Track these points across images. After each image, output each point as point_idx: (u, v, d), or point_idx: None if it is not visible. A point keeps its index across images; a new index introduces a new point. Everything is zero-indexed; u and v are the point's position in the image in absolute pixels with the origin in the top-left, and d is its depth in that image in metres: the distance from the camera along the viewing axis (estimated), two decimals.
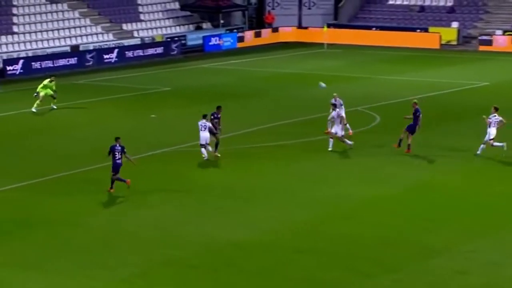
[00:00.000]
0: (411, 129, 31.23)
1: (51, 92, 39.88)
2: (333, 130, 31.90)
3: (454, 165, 29.89)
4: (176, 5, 63.65)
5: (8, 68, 49.62)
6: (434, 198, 26.55)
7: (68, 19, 57.10)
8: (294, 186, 27.64)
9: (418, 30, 62.87)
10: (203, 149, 30.61)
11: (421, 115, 31.33)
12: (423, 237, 22.86)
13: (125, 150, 27.22)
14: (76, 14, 57.92)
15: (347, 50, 60.78)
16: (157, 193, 27.02)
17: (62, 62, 52.14)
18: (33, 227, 23.78)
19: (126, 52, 55.77)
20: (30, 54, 52.52)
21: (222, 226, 23.69)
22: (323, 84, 32.64)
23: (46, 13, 56.56)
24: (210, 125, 30.71)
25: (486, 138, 30.69)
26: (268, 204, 25.80)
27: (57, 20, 56.55)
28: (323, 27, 62.21)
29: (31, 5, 56.30)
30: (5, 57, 50.69)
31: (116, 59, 54.91)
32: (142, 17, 61.29)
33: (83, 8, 58.98)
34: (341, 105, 33.34)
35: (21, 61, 50.50)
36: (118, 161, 27.07)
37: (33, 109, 39.25)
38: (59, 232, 23.28)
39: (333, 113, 32.12)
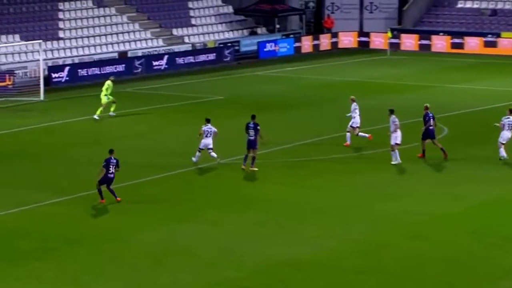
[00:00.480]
0: (428, 136, 32.26)
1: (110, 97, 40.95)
2: (391, 141, 32.20)
3: None
4: (230, 9, 64.10)
5: (53, 75, 50.48)
6: (506, 215, 26.29)
7: (116, 24, 57.92)
8: (354, 201, 27.63)
9: (490, 36, 62.29)
10: (198, 153, 31.14)
11: (432, 119, 32.37)
12: (494, 257, 22.66)
13: (119, 163, 27.44)
14: (124, 19, 58.73)
15: (412, 57, 60.49)
16: (211, 208, 27.24)
17: (109, 69, 52.83)
18: (80, 243, 24.15)
19: (177, 59, 56.31)
20: (76, 60, 53.37)
21: (279, 244, 23.79)
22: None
23: (93, 17, 57.45)
24: (216, 130, 31.00)
25: (500, 140, 31.56)
26: (327, 220, 25.82)
27: (105, 25, 57.39)
28: (386, 32, 62.03)
29: (77, 9, 57.22)
30: (50, 64, 51.59)
31: (166, 66, 55.49)
32: (193, 21, 61.86)
33: (131, 13, 59.78)
34: (355, 109, 34.66)
35: (67, 68, 51.35)
36: (110, 175, 27.35)
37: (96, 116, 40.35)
38: (107, 249, 23.60)
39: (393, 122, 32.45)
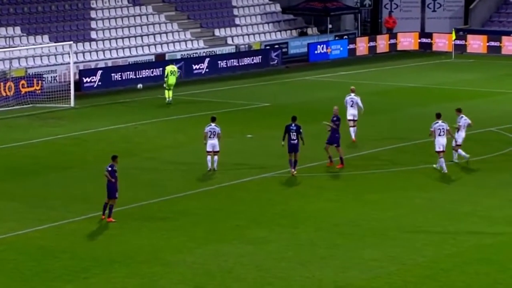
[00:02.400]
0: (332, 141, 33.30)
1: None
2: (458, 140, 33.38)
3: None
4: (277, 8, 64.19)
5: (85, 79, 50.88)
6: None
7: (153, 24, 58.30)
8: (417, 220, 27.41)
9: None
10: (208, 157, 31.93)
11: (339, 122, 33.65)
12: None
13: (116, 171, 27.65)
14: (162, 18, 59.09)
15: (479, 60, 60.01)
16: (256, 226, 27.21)
17: (145, 73, 53.15)
18: (114, 264, 24.25)
19: (219, 62, 56.50)
20: (109, 64, 53.79)
21: (332, 267, 23.66)
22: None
23: (128, 17, 57.90)
24: (219, 130, 31.14)
25: (453, 143, 33.18)
26: (386, 242, 25.64)
27: (141, 25, 57.79)
28: (451, 33, 61.59)
29: (111, 8, 57.70)
30: (81, 67, 52.02)
31: (207, 70, 55.70)
32: (237, 21, 62.04)
33: (170, 12, 60.13)
34: (355, 103, 37.29)
35: (99, 72, 51.73)
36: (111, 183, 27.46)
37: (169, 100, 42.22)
38: (144, 271, 23.66)
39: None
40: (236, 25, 61.59)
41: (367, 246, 25.36)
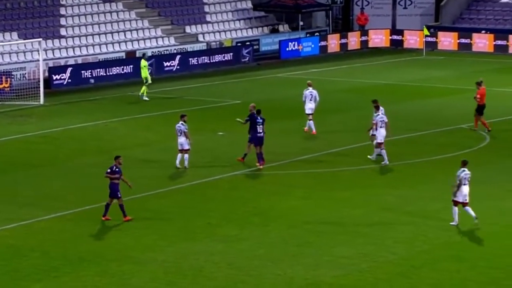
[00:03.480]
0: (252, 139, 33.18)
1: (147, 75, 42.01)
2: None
3: None
4: (248, 5, 64.23)
5: (54, 77, 50.68)
6: None
7: (123, 21, 58.14)
8: (387, 218, 27.57)
9: None
10: (179, 155, 31.91)
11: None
12: None
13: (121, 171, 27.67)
14: (133, 15, 58.96)
15: (450, 57, 60.36)
16: (229, 224, 27.27)
17: (116, 70, 53.03)
18: (84, 263, 24.22)
19: (190, 59, 56.45)
20: (79, 61, 53.59)
21: (303, 265, 23.76)
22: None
23: (98, 13, 57.69)
24: (185, 128, 31.05)
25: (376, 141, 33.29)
26: (357, 239, 25.77)
27: (111, 22, 57.60)
28: (422, 30, 61.91)
29: (81, 4, 57.44)
30: (51, 65, 51.79)
31: (178, 67, 55.63)
32: (208, 18, 62.04)
33: (140, 8, 59.99)
34: (314, 97, 37.83)
35: (69, 69, 51.55)
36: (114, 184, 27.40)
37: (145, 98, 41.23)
38: (114, 270, 23.65)
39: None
40: (207, 22, 61.56)
41: (338, 243, 25.49)
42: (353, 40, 64.37)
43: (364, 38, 64.72)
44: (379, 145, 33.26)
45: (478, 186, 30.83)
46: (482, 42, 62.52)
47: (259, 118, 32.57)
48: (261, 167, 32.40)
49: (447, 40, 63.12)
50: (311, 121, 38.07)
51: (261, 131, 32.38)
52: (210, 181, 31.77)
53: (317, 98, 38.33)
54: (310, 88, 38.75)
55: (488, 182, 31.10)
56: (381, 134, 33.25)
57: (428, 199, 29.51)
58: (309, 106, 38.20)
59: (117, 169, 27.60)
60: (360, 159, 34.52)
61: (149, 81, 45.68)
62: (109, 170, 27.60)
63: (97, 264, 24.08)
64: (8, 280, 23.01)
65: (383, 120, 33.44)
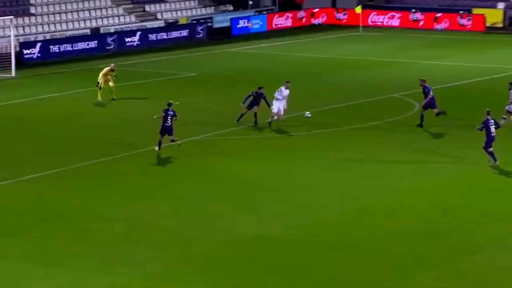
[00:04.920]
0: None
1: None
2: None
3: (505, 156, 29.57)
4: None
5: (25, 52, 50.11)
6: (479, 190, 26.54)
7: (88, 0, 57.51)
8: (325, 178, 27.76)
9: (461, 12, 62.56)
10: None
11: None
12: (466, 231, 22.87)
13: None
14: None
15: (384, 33, 60.66)
16: (184, 184, 27.29)
17: (81, 45, 52.55)
18: (51, 220, 24.13)
19: (149, 35, 56.09)
20: (48, 37, 52.99)
21: (250, 220, 23.88)
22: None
23: None
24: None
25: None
26: (297, 197, 25.93)
27: (77, 1, 56.94)
28: (358, 8, 62.05)
29: None
30: (22, 40, 51.18)
31: (139, 43, 55.26)
32: None
33: None
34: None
35: (38, 45, 50.97)
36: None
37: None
38: (78, 226, 23.60)
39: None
40: (165, 1, 61.11)
41: (279, 201, 25.57)
42: (297, 18, 64.32)
43: (307, 16, 64.69)
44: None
45: (408, 148, 31.19)
46: (413, 19, 62.86)
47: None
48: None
49: (381, 18, 63.39)
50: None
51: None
52: (170, 146, 31.71)
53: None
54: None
55: (414, 145, 31.40)
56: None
57: (361, 161, 29.70)
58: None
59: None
60: (302, 125, 34.58)
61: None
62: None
63: (64, 221, 23.99)
64: None
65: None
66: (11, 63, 46.07)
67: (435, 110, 33.63)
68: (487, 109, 29.08)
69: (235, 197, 26.02)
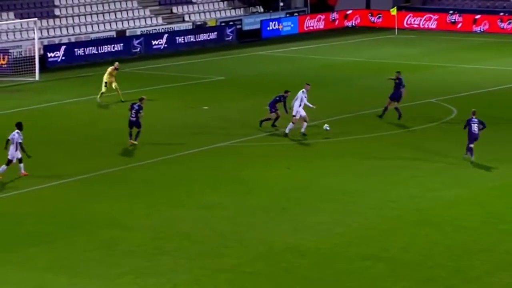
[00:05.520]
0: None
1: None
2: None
3: None
4: None
5: (49, 54, 50.32)
6: None
7: (114, 2, 57.68)
8: (360, 186, 27.53)
9: (502, 14, 62.01)
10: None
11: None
12: (506, 243, 22.56)
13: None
14: None
15: (421, 36, 60.28)
16: (213, 193, 27.15)
17: (107, 48, 52.68)
18: (76, 228, 24.09)
19: (177, 38, 56.14)
20: (72, 39, 53.20)
21: (282, 231, 23.70)
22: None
23: None
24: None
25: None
26: (332, 206, 25.73)
27: (102, 3, 57.16)
28: (394, 10, 61.71)
29: None
30: (46, 43, 51.42)
31: (166, 45, 55.32)
32: None
33: None
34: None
35: (63, 47, 51.17)
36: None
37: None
38: (104, 235, 23.54)
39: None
40: (193, 3, 61.18)
41: (314, 210, 25.43)
42: (330, 20, 64.12)
43: (340, 17, 64.46)
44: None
45: (442, 155, 30.89)
46: (451, 21, 62.44)
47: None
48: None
49: (417, 20, 63.03)
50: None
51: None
52: (196, 152, 31.62)
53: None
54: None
55: (451, 152, 31.12)
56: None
57: (397, 168, 29.45)
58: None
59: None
60: (337, 130, 34.38)
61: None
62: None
63: (88, 230, 23.94)
64: (4, 246, 22.84)
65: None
66: (35, 67, 46.27)
67: (396, 104, 34.94)
68: (473, 110, 30.40)
69: (267, 206, 25.84)
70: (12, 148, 28.31)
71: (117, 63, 40.73)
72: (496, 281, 20.44)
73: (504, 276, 20.70)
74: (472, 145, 29.90)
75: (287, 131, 33.06)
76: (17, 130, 28.43)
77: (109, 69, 40.16)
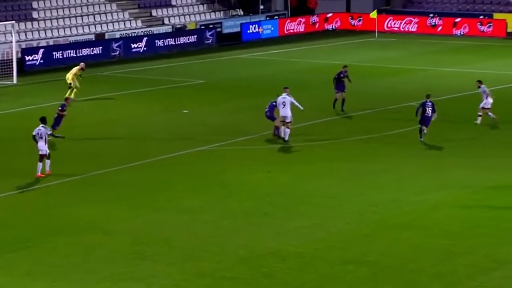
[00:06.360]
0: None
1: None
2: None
3: None
4: None
5: (27, 58, 50.16)
6: (500, 203, 26.35)
7: (93, 4, 57.57)
8: (346, 190, 27.61)
9: (482, 17, 62.41)
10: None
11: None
12: (488, 249, 22.70)
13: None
14: None
15: (401, 39, 60.53)
16: (194, 197, 27.17)
17: (86, 51, 52.57)
18: (56, 233, 24.03)
19: (156, 41, 56.10)
20: (51, 42, 53.03)
21: (265, 235, 23.74)
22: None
23: None
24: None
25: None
26: (313, 210, 25.80)
27: (81, 6, 57.03)
28: (374, 13, 61.96)
29: None
30: (24, 46, 51.24)
31: (145, 49, 55.26)
32: (173, 2, 61.59)
33: None
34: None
35: (41, 51, 51.02)
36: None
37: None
38: (84, 240, 23.50)
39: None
40: (172, 6, 61.15)
41: (295, 214, 25.48)
42: (310, 23, 64.27)
43: (320, 21, 64.62)
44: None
45: (425, 158, 31.04)
46: (431, 24, 62.75)
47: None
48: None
49: (398, 23, 63.30)
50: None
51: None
52: (176, 156, 31.63)
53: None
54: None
55: (433, 156, 31.28)
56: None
57: (380, 172, 29.57)
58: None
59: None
60: (318, 134, 34.50)
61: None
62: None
63: (68, 235, 23.89)
64: None
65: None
66: (12, 70, 46.08)
67: (343, 94, 37.52)
68: (428, 93, 32.94)
69: (248, 210, 25.88)
70: (41, 142, 28.70)
71: (83, 63, 40.96)
72: (476, 285, 20.57)
73: (484, 280, 20.84)
74: (425, 130, 32.26)
75: (286, 138, 32.75)
76: (42, 125, 29.18)
77: (75, 69, 40.42)
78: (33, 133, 29.23)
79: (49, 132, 29.20)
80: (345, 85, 38.25)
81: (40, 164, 28.89)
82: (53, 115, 33.95)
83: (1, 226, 24.60)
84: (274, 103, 33.37)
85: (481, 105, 35.40)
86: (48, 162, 29.04)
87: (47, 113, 39.01)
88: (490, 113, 35.32)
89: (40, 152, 28.89)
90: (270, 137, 33.72)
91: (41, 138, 28.88)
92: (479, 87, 35.90)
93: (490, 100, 35.32)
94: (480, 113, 35.37)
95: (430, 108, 32.35)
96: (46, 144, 28.97)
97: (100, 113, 38.85)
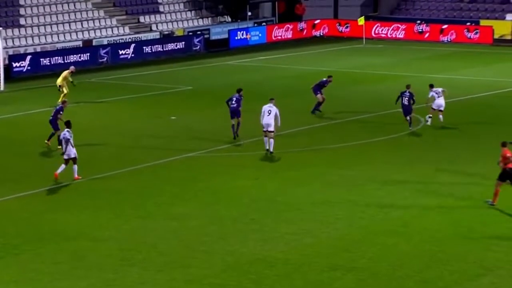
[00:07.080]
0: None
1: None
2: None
3: None
4: None
5: (14, 64, 50.09)
6: (486, 211, 26.43)
7: (80, 11, 57.56)
8: (329, 196, 27.64)
9: (469, 23, 62.65)
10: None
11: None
12: (475, 255, 22.76)
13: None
14: (89, 6, 58.37)
15: (388, 46, 60.70)
16: (182, 203, 27.15)
17: (73, 58, 52.53)
18: (42, 240, 23.96)
19: (144, 47, 56.12)
20: (38, 49, 52.98)
21: (252, 241, 23.73)
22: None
23: (56, 4, 57.05)
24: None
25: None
26: (301, 216, 25.81)
27: (68, 12, 57.02)
28: (361, 20, 62.14)
29: None
30: (11, 53, 51.16)
31: (133, 55, 55.27)
32: (161, 8, 61.62)
33: None
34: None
35: (28, 57, 50.96)
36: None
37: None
38: (71, 247, 23.44)
39: None
40: (160, 12, 61.20)
41: (283, 221, 25.49)
42: (298, 29, 64.41)
43: (308, 27, 64.77)
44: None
45: (412, 165, 31.12)
46: (418, 31, 62.98)
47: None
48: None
49: (385, 30, 63.50)
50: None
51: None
52: (165, 162, 31.61)
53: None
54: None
55: (420, 162, 31.36)
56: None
57: (367, 178, 29.63)
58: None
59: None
60: (305, 140, 34.56)
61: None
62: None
63: (55, 242, 23.83)
64: None
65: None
66: (0, 77, 45.97)
67: (319, 97, 38.48)
68: (407, 84, 35.77)
69: (235, 216, 25.87)
70: (67, 146, 28.84)
71: (73, 67, 41.04)
72: None
73: (472, 286, 20.89)
74: (408, 118, 35.03)
75: (271, 149, 32.25)
76: (67, 129, 29.23)
77: (65, 72, 40.49)
78: (60, 137, 29.63)
79: (69, 138, 28.91)
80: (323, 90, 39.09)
81: (63, 166, 28.87)
82: (46, 120, 33.91)
83: None
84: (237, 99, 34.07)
85: (433, 105, 36.29)
86: (74, 167, 28.92)
87: (36, 119, 39.18)
88: (441, 116, 36.14)
89: (66, 157, 28.87)
90: (255, 144, 33.72)
91: (67, 142, 28.88)
92: (431, 90, 36.69)
93: (442, 101, 36.05)
94: (431, 115, 36.33)
95: (407, 98, 34.93)
96: (74, 148, 28.87)
97: (87, 120, 38.80)
